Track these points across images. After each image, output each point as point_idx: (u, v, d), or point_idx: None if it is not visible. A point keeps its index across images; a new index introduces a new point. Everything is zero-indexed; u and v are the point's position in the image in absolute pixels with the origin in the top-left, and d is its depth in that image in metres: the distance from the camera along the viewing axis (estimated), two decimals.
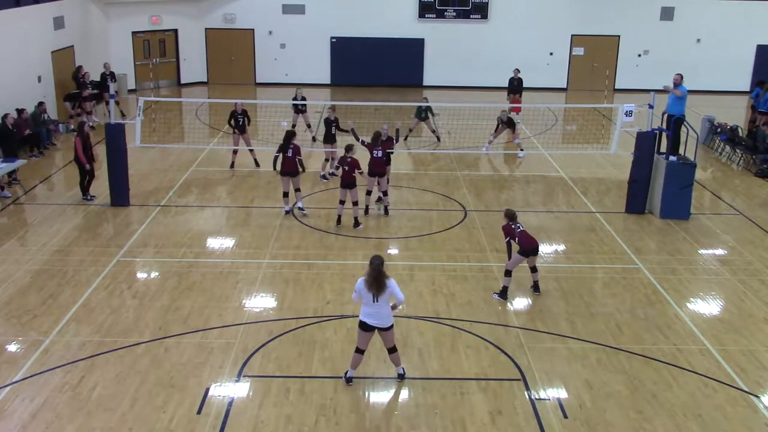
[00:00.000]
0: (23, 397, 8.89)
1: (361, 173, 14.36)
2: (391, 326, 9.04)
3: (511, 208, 12.17)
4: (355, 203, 14.49)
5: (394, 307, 9.14)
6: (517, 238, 11.46)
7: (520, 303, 11.62)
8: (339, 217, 14.62)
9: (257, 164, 18.47)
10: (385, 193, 15.23)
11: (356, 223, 14.53)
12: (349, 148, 14.42)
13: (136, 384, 9.18)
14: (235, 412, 8.71)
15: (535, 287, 11.84)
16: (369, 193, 15.18)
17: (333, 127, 17.36)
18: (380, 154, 14.89)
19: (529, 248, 11.47)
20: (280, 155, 14.85)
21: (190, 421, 8.50)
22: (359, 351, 9.17)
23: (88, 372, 9.42)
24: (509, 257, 11.65)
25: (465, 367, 9.73)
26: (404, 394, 9.18)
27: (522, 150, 20.10)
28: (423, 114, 20.73)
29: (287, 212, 15.04)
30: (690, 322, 11.14)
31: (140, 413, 8.62)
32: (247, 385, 9.26)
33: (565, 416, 8.76)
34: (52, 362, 9.63)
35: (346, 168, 14.27)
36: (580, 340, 10.49)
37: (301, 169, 14.95)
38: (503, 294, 11.63)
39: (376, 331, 9.04)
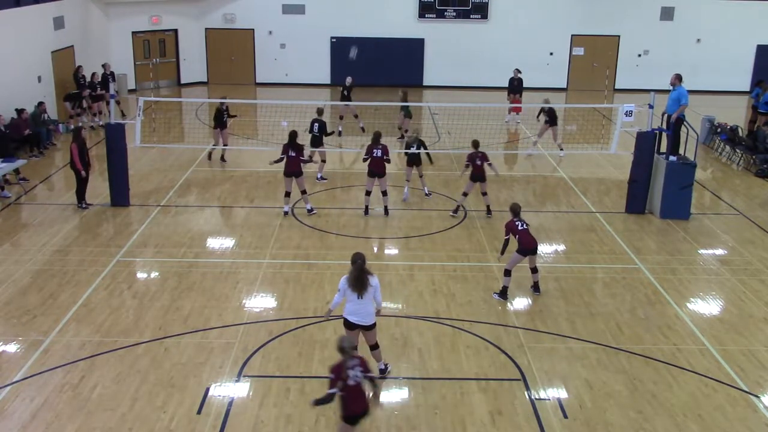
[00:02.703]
0: (23, 397, 8.90)
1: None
2: (374, 325, 9.08)
3: (516, 203, 12.06)
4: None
5: (377, 312, 9.18)
6: (517, 236, 11.45)
7: (520, 303, 11.62)
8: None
9: (223, 159, 18.92)
10: (384, 193, 15.23)
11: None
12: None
13: (136, 384, 9.19)
14: (235, 412, 8.71)
15: (535, 287, 11.84)
16: (368, 193, 15.19)
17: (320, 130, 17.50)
18: (380, 153, 14.91)
19: (528, 248, 11.47)
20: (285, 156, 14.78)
21: (190, 421, 8.50)
22: None
23: (88, 372, 9.43)
24: (501, 253, 11.65)
25: (465, 367, 9.73)
26: (404, 394, 9.18)
27: (562, 149, 19.98)
28: (405, 110, 20.50)
29: (286, 213, 15.03)
30: (690, 322, 11.14)
31: (140, 413, 8.63)
32: (247, 385, 9.26)
33: (565, 416, 8.76)
34: (52, 362, 9.63)
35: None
36: (580, 340, 10.50)
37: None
38: (503, 294, 11.63)
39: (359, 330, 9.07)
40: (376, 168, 14.93)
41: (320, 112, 17.75)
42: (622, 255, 13.57)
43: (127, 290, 11.78)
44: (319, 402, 7.37)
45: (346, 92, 21.37)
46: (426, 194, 16.52)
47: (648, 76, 28.25)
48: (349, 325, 9.04)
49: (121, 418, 8.53)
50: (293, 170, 14.76)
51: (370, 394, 7.47)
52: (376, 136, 15.05)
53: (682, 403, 9.08)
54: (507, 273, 11.66)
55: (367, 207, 15.18)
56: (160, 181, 17.31)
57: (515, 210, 11.66)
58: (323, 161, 17.80)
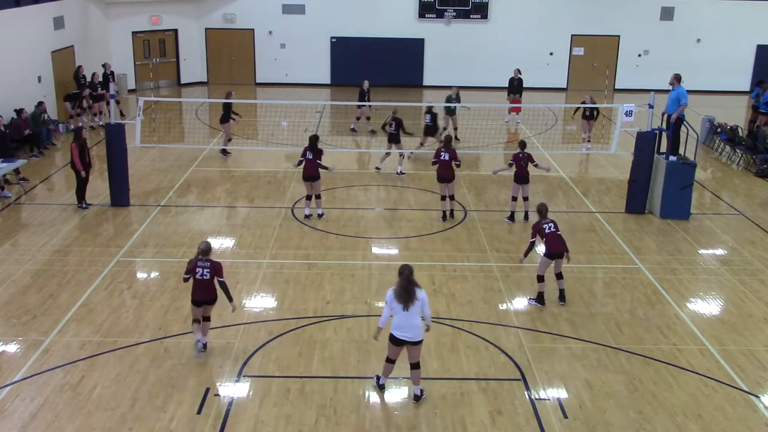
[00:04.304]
0: (23, 397, 8.90)
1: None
2: (421, 341, 8.76)
3: (543, 203, 11.76)
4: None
5: (426, 329, 8.86)
6: (544, 239, 11.23)
7: (520, 303, 11.61)
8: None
9: (226, 152, 19.59)
10: (452, 197, 15.04)
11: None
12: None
13: (136, 384, 9.19)
14: (235, 412, 8.71)
15: (561, 296, 11.51)
16: (443, 198, 14.98)
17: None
18: (448, 157, 14.66)
19: (553, 252, 11.22)
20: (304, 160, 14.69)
21: (190, 421, 8.50)
22: (390, 361, 8.95)
23: (88, 372, 9.43)
24: (524, 255, 11.54)
25: (465, 367, 9.73)
26: (404, 394, 9.18)
27: (589, 141, 21.30)
28: (452, 106, 20.84)
29: (307, 216, 14.93)
30: (690, 322, 11.14)
31: (140, 413, 8.63)
32: (247, 385, 9.26)
33: (565, 416, 8.76)
34: (52, 362, 9.63)
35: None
36: (580, 340, 10.50)
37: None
38: (540, 299, 11.47)
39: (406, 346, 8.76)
40: (444, 172, 14.70)
41: (431, 107, 19.48)
42: (622, 255, 13.57)
43: (127, 290, 11.77)
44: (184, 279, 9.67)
45: (366, 98, 21.70)
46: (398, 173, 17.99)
47: (648, 76, 28.27)
48: (395, 341, 8.70)
49: (121, 418, 8.53)
50: (310, 174, 14.65)
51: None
52: (447, 140, 15.02)
53: (682, 403, 9.08)
54: (540, 279, 11.45)
55: (444, 212, 14.98)
56: (160, 181, 17.31)
57: (542, 211, 11.38)
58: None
